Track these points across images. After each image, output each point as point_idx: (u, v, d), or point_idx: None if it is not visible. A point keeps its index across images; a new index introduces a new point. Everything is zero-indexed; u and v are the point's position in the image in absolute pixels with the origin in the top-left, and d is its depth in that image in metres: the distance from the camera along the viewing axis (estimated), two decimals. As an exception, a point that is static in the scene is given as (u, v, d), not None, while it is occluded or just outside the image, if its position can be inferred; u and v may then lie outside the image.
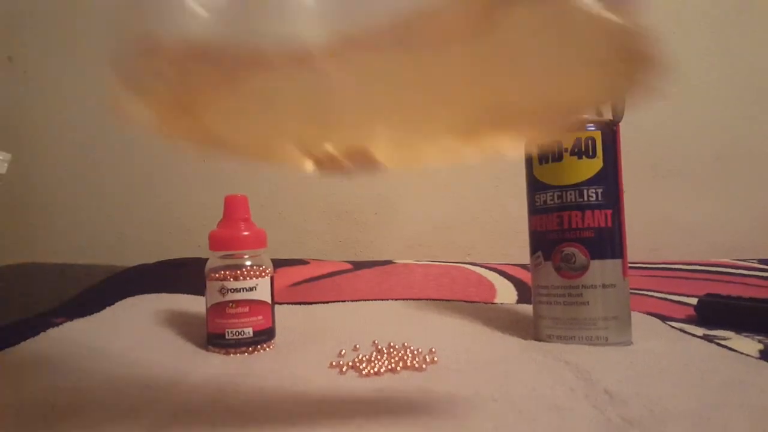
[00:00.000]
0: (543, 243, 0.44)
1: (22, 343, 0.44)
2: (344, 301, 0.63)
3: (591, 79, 0.23)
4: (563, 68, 0.22)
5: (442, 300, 0.62)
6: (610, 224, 0.42)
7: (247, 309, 0.43)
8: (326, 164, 0.24)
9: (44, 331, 0.47)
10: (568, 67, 0.22)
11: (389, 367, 0.38)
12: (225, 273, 0.43)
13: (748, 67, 0.96)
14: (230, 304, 0.43)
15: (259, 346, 0.44)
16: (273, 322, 0.45)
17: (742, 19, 0.95)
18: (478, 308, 0.58)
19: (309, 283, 0.72)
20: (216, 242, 0.44)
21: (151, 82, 0.23)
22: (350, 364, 0.39)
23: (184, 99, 0.24)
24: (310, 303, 0.62)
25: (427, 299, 0.63)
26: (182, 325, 0.51)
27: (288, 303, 0.62)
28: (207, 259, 0.45)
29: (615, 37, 0.21)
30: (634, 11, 0.20)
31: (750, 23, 0.96)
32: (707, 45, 0.95)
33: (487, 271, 0.77)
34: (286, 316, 0.53)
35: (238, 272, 0.43)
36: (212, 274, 0.44)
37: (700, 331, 0.47)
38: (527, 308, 0.51)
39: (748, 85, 0.96)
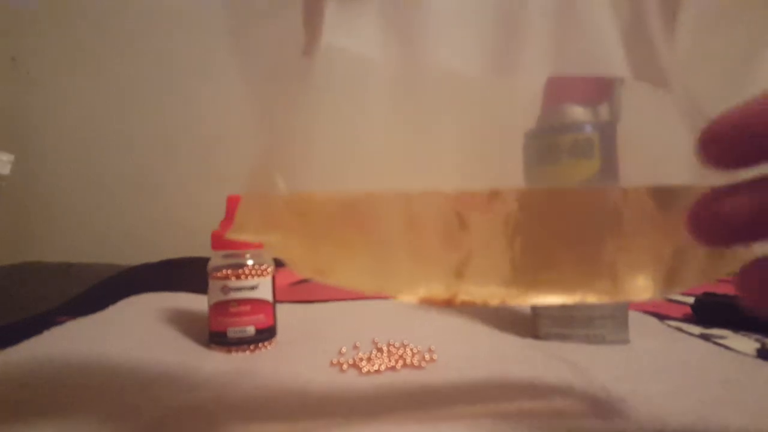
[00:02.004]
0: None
1: (26, 342, 0.44)
2: (344, 299, 0.63)
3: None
4: None
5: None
6: (608, 224, 0.42)
7: (248, 308, 0.44)
8: (437, 303, 0.26)
9: (48, 329, 0.47)
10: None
11: (389, 365, 0.38)
12: (227, 272, 0.43)
13: (749, 65, 0.96)
14: (232, 302, 0.43)
15: (260, 345, 0.44)
16: (274, 320, 0.46)
17: (743, 17, 0.95)
18: (477, 307, 0.58)
19: (310, 281, 0.72)
20: (218, 241, 0.45)
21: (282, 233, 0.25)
22: (350, 362, 0.39)
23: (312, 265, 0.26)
24: (311, 302, 0.62)
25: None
26: (185, 323, 0.51)
27: (289, 302, 0.62)
28: (209, 259, 0.45)
29: None
30: None
31: (751, 21, 0.96)
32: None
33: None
34: (287, 314, 0.53)
35: (240, 271, 0.43)
36: (214, 273, 0.44)
37: (697, 330, 0.47)
38: (525, 306, 0.52)
39: (749, 84, 0.96)
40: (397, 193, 0.25)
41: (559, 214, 0.26)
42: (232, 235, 0.25)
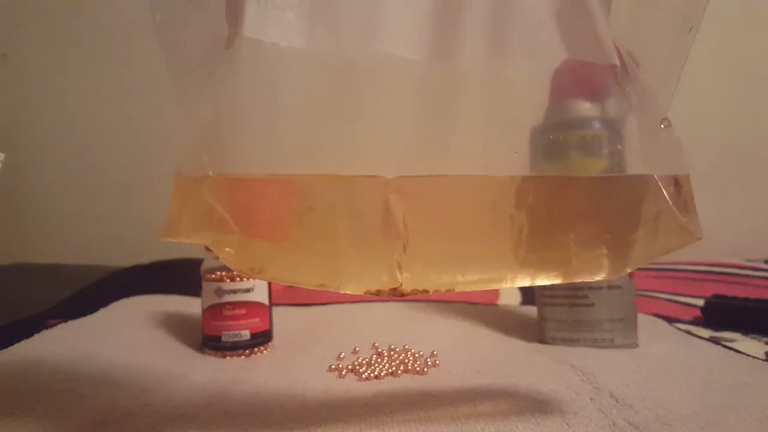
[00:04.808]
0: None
1: (16, 345, 0.43)
2: (344, 302, 0.62)
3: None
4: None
5: (444, 302, 0.62)
6: (615, 224, 0.42)
7: (244, 311, 0.43)
8: (384, 295, 0.26)
9: (38, 332, 0.47)
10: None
11: (390, 370, 0.38)
12: (221, 273, 0.43)
13: (755, 65, 0.95)
14: (227, 305, 0.43)
15: (256, 349, 0.43)
16: (271, 324, 0.45)
17: (748, 17, 0.95)
18: (481, 310, 0.58)
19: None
20: (212, 242, 0.44)
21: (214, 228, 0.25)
22: (350, 367, 0.39)
23: (247, 263, 0.26)
24: (309, 305, 0.62)
25: (428, 301, 0.62)
26: (177, 327, 0.50)
27: (286, 305, 0.61)
28: (203, 260, 0.44)
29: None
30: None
31: (756, 22, 0.95)
32: (714, 42, 0.94)
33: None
34: (284, 318, 0.53)
35: (235, 273, 0.43)
36: (208, 275, 0.43)
37: (706, 333, 0.47)
38: (531, 310, 0.51)
39: (754, 83, 0.95)
40: (333, 176, 0.25)
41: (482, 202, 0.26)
42: (166, 237, 0.24)
